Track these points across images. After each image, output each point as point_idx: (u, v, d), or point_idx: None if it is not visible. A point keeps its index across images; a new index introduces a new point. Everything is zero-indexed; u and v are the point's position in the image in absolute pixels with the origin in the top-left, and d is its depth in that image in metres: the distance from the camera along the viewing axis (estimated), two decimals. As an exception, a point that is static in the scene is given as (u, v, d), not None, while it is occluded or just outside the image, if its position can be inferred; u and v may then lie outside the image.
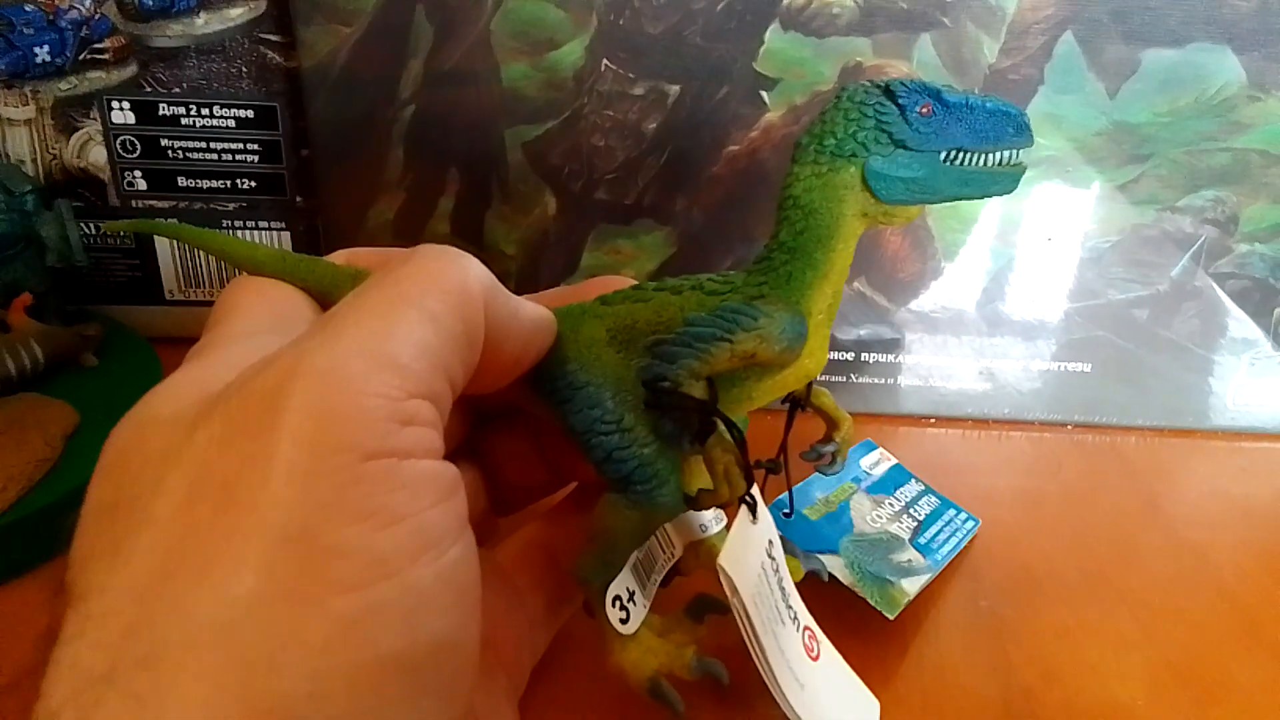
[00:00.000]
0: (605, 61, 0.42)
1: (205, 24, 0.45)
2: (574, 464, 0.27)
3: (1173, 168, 0.43)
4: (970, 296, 0.45)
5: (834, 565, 0.33)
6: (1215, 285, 0.45)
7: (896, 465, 0.40)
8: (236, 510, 0.15)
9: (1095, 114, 0.42)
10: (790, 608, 0.27)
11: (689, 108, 0.42)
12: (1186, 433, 0.46)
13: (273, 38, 0.45)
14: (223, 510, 0.15)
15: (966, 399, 0.47)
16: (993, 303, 0.45)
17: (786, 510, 0.35)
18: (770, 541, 0.26)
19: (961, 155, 0.25)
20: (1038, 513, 0.40)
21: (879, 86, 0.25)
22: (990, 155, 0.25)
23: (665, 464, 0.23)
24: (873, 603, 0.32)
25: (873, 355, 0.46)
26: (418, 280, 0.18)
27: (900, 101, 0.24)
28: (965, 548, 0.38)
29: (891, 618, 0.32)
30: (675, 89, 0.42)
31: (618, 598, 0.24)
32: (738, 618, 0.24)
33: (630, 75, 0.42)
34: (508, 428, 0.28)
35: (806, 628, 0.28)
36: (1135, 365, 0.46)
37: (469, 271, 0.19)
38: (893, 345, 0.46)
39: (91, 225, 0.48)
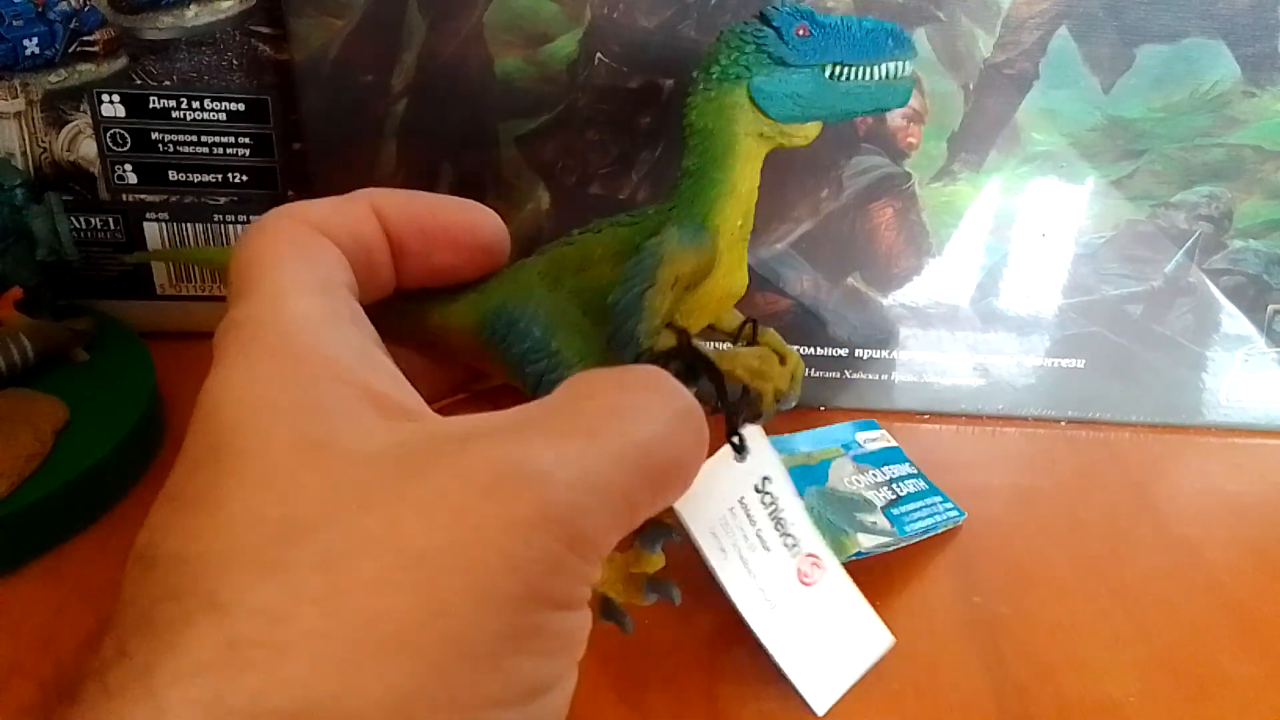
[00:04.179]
0: (599, 55, 0.41)
1: (196, 16, 0.44)
2: None
3: (1167, 163, 0.43)
4: (964, 292, 0.45)
5: None
6: (1209, 281, 0.45)
7: (894, 447, 0.41)
8: (428, 602, 0.15)
9: (1090, 109, 0.42)
10: (789, 535, 0.29)
11: (683, 102, 0.42)
12: (1180, 429, 0.47)
13: (264, 30, 0.45)
14: (418, 588, 0.15)
15: (960, 395, 0.47)
16: (987, 298, 0.45)
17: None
18: (766, 478, 0.27)
19: (845, 70, 0.26)
20: (1031, 509, 0.40)
21: (756, 15, 0.27)
22: (874, 69, 0.26)
23: None
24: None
25: (866, 351, 0.46)
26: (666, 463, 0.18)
27: (775, 25, 0.26)
28: (958, 541, 0.38)
29: (838, 560, 0.32)
30: (670, 83, 0.42)
31: None
32: (691, 537, 0.26)
33: (624, 69, 0.42)
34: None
35: (809, 554, 0.29)
36: (1129, 361, 0.46)
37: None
38: (886, 341, 0.46)
39: (82, 219, 0.48)
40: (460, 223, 0.24)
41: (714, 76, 0.26)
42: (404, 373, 0.24)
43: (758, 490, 0.27)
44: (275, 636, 0.14)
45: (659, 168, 0.43)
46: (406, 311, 0.26)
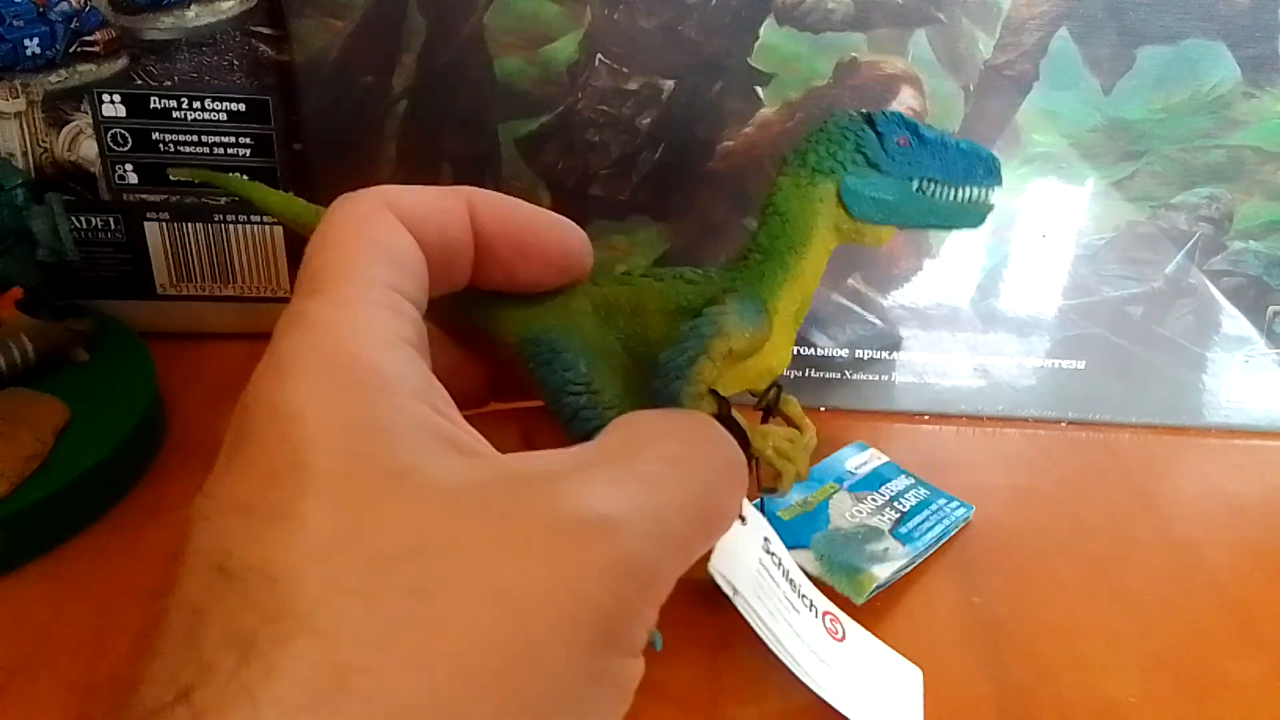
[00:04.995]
0: (600, 56, 0.41)
1: (196, 16, 0.44)
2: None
3: (1167, 164, 0.43)
4: (965, 293, 0.45)
5: (803, 559, 0.34)
6: (1209, 282, 0.45)
7: (887, 463, 0.41)
8: (515, 639, 0.15)
9: (1090, 110, 0.42)
10: (804, 596, 0.29)
11: (684, 103, 0.42)
12: (1181, 430, 0.46)
13: (265, 30, 0.45)
14: (513, 627, 0.15)
15: (961, 396, 0.47)
16: (987, 299, 0.45)
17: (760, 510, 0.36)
18: (766, 539, 0.27)
19: (932, 186, 0.27)
20: (1032, 510, 0.40)
21: (862, 114, 0.27)
22: (960, 191, 0.27)
23: None
24: (840, 589, 0.33)
25: (867, 352, 0.46)
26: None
27: (879, 129, 0.27)
28: (958, 543, 0.38)
29: (858, 603, 0.33)
30: (670, 84, 0.42)
31: None
32: (745, 615, 0.25)
33: (625, 70, 0.42)
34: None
35: (826, 612, 0.30)
36: (1130, 362, 0.46)
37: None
38: (887, 342, 0.46)
39: (82, 219, 0.48)
40: (556, 241, 0.24)
41: (809, 165, 0.27)
42: (436, 370, 0.24)
43: (767, 552, 0.28)
44: (378, 664, 0.14)
45: (660, 168, 0.43)
46: (458, 304, 0.26)
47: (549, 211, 0.24)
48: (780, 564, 0.28)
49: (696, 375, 0.24)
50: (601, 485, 0.17)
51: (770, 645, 0.26)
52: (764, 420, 0.29)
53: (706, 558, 0.29)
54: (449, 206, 0.22)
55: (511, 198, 0.24)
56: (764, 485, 0.27)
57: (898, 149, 0.26)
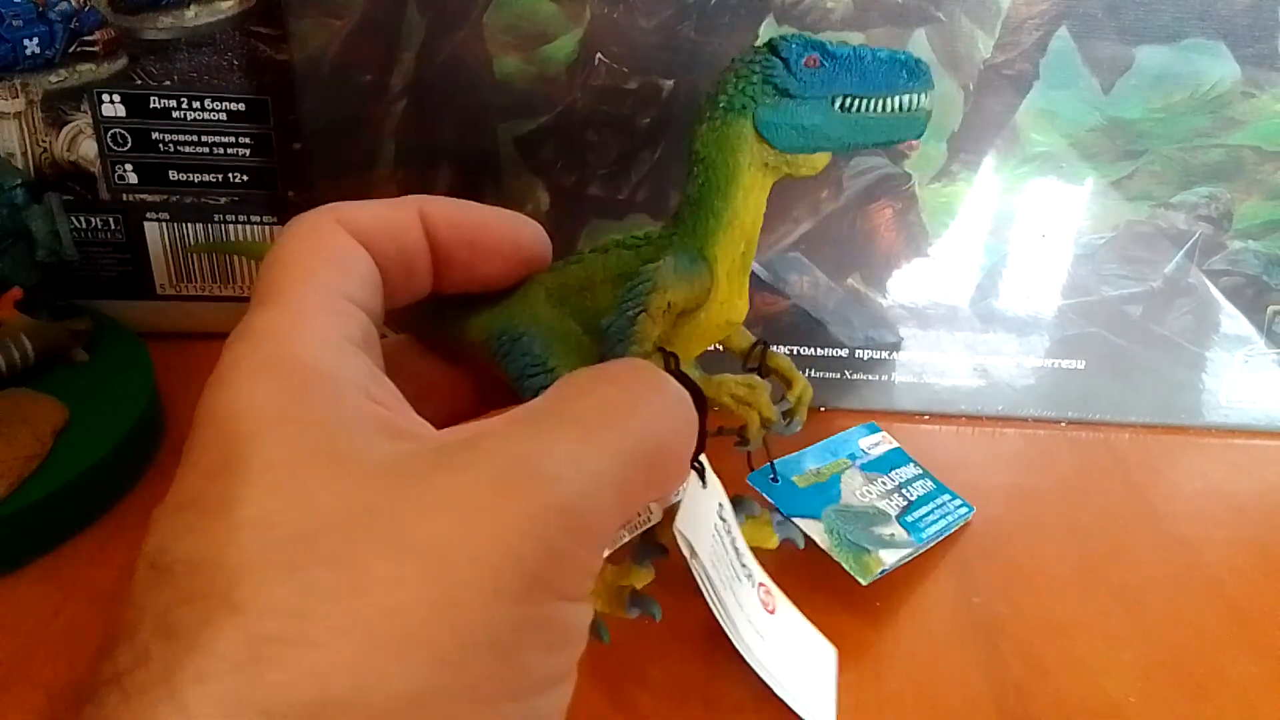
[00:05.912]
0: (599, 55, 0.41)
1: (195, 16, 0.44)
2: None
3: (1166, 164, 0.43)
4: (964, 293, 0.45)
5: (813, 529, 0.34)
6: (1208, 282, 0.45)
7: (897, 449, 0.41)
8: (447, 596, 0.15)
9: (1089, 110, 0.42)
10: (745, 566, 0.29)
11: (683, 102, 0.42)
12: (1180, 429, 0.47)
13: (264, 30, 0.45)
14: (428, 582, 0.15)
15: (960, 395, 0.47)
16: (986, 299, 0.45)
17: (773, 475, 0.36)
18: (720, 505, 0.27)
19: (854, 101, 0.25)
20: (1031, 509, 0.40)
21: (765, 43, 0.26)
22: (886, 101, 0.25)
23: None
24: (846, 567, 0.33)
25: (866, 351, 0.46)
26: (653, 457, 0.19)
27: (783, 55, 0.26)
28: (958, 542, 0.38)
29: (864, 583, 0.33)
30: (669, 83, 0.42)
31: None
32: (698, 578, 0.25)
33: (624, 69, 0.42)
34: None
35: (761, 584, 0.29)
36: (1129, 362, 0.46)
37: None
38: (886, 341, 0.46)
39: (82, 219, 0.48)
40: (510, 238, 0.25)
41: (720, 106, 0.26)
42: (423, 383, 0.24)
43: (720, 519, 0.27)
44: (293, 633, 0.14)
45: (659, 168, 0.43)
46: (430, 319, 0.27)
47: (501, 209, 0.25)
48: (730, 531, 0.28)
49: (639, 334, 0.24)
50: (525, 437, 0.17)
51: (715, 612, 0.26)
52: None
53: (672, 519, 0.29)
54: (399, 216, 0.23)
55: (462, 200, 0.24)
56: (738, 440, 0.27)
57: (807, 71, 0.25)
